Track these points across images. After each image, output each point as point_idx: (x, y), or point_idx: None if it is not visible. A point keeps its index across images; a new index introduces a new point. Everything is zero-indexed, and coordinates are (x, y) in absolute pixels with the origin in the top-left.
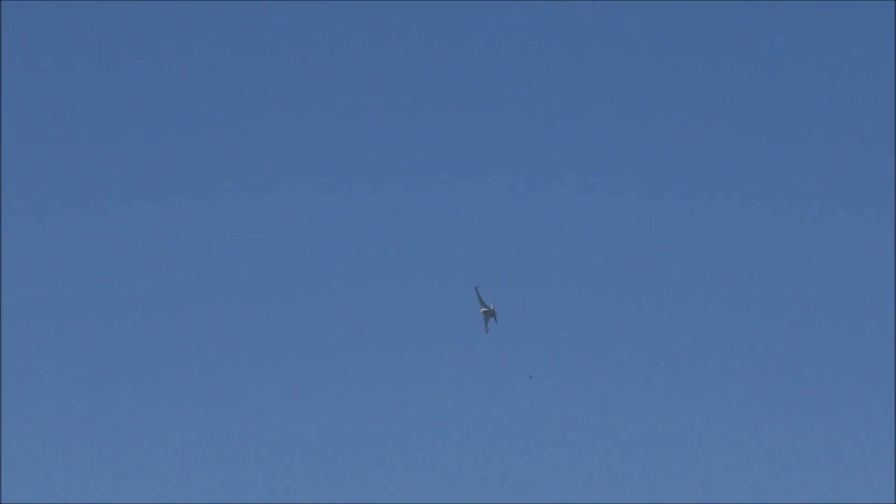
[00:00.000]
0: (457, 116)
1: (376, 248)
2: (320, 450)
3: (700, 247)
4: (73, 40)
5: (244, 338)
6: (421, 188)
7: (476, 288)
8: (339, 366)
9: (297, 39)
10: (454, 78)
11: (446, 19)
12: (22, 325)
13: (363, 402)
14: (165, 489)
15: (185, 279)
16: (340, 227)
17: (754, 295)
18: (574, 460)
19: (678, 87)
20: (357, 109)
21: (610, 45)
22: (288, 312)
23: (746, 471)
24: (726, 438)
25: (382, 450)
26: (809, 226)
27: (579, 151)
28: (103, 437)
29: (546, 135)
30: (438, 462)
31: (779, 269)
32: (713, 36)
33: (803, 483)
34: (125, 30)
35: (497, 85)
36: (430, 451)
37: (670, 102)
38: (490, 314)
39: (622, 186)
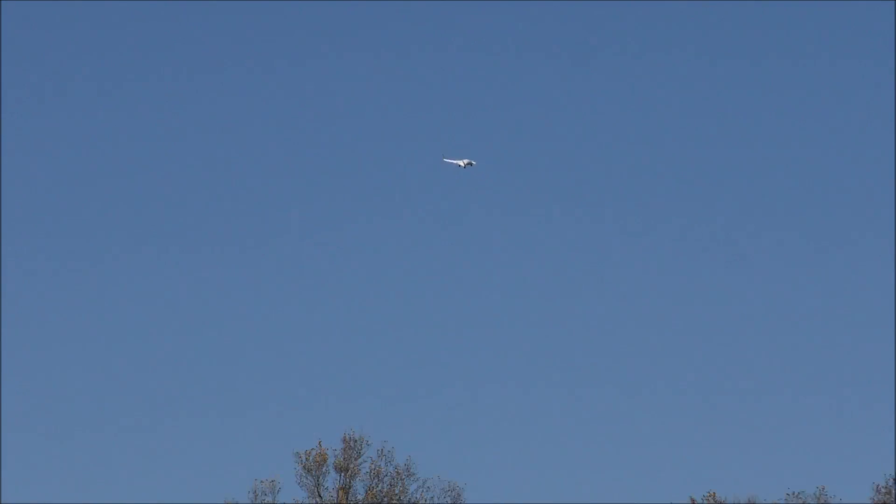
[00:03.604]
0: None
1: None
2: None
3: (699, 246)
4: (73, 40)
5: (241, 337)
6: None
7: (444, 160)
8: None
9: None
10: (452, 79)
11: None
12: (22, 325)
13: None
14: (164, 490)
15: (185, 279)
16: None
17: (754, 293)
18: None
19: (678, 86)
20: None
21: (610, 45)
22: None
23: (746, 469)
24: (726, 435)
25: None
26: (809, 225)
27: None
28: (103, 437)
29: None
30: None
31: (778, 270)
32: (713, 36)
33: (803, 483)
34: (124, 30)
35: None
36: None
37: (670, 101)
38: (468, 164)
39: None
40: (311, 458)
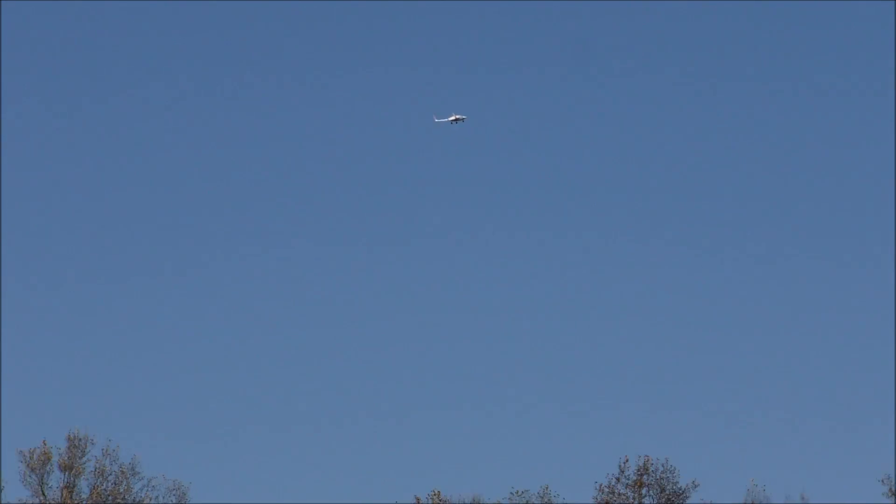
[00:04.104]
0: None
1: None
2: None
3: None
4: (73, 40)
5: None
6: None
7: (435, 120)
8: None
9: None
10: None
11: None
12: (22, 327)
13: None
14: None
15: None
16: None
17: (756, 294)
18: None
19: (678, 86)
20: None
21: (610, 46)
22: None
23: (470, 468)
24: (451, 433)
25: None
26: (808, 225)
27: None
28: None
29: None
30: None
31: (778, 271)
32: (713, 36)
33: (528, 482)
34: (125, 30)
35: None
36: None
37: (669, 101)
38: (458, 119)
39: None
40: (34, 457)
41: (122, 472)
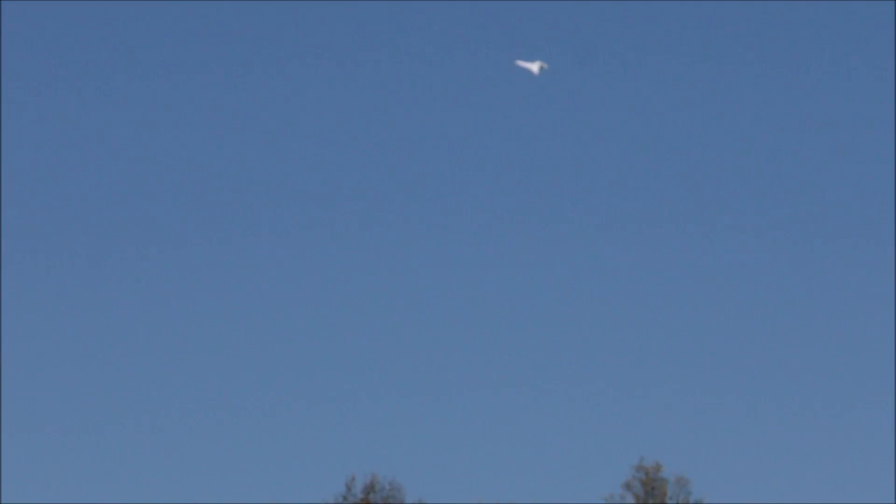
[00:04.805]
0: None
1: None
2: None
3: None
4: (73, 40)
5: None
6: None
7: (516, 63)
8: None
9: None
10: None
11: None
12: (23, 324)
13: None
14: (166, 489)
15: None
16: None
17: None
18: None
19: (676, 84)
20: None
21: (608, 45)
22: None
23: (745, 470)
24: (727, 436)
25: None
26: (809, 228)
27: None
28: (104, 437)
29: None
30: None
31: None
32: (710, 36)
33: (803, 482)
34: (125, 30)
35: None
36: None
37: (668, 100)
38: (541, 66)
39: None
40: None
41: None
